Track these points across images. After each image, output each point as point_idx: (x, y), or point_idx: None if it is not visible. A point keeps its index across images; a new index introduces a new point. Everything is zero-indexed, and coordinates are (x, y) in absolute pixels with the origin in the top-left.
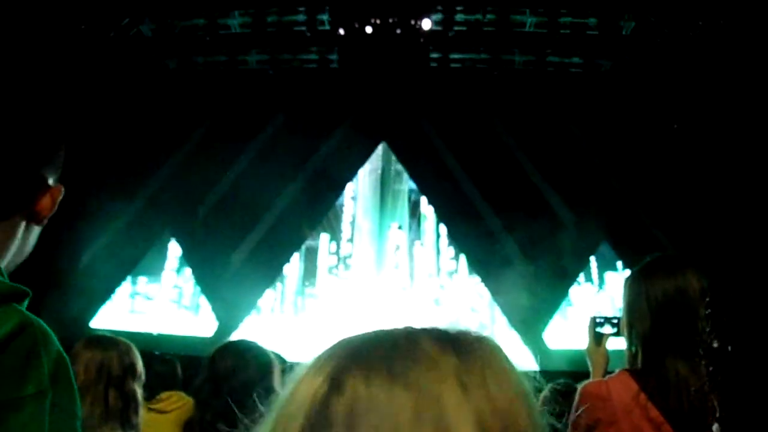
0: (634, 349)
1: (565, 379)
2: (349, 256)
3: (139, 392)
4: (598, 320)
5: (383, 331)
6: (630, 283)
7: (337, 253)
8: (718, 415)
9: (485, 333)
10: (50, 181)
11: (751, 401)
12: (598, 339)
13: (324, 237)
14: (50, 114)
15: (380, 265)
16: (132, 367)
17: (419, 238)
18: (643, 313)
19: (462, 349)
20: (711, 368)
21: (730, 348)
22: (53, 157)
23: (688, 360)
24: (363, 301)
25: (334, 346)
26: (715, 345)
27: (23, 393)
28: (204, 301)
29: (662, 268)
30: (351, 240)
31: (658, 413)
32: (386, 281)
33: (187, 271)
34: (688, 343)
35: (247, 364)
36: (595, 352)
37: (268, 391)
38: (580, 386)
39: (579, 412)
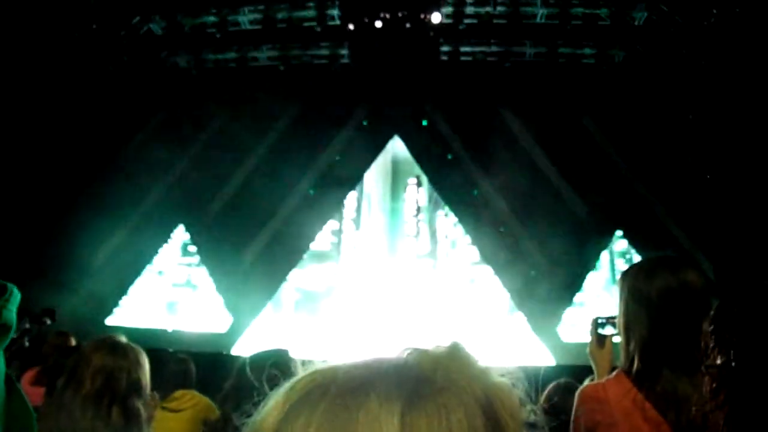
0: (631, 352)
1: (566, 378)
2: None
3: (143, 410)
4: (599, 321)
5: (336, 372)
6: (627, 283)
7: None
8: None
9: (462, 368)
10: None
11: (757, 419)
12: (601, 340)
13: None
14: None
15: (393, 238)
16: (138, 383)
17: (442, 208)
18: (642, 316)
19: (412, 404)
20: (714, 384)
21: (734, 364)
22: None
23: (688, 372)
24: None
25: (296, 382)
26: (719, 361)
27: None
28: (218, 297)
29: (662, 268)
30: (358, 211)
31: (656, 413)
32: (402, 255)
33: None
34: (687, 351)
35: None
36: (599, 353)
37: None
38: (579, 389)
39: (578, 414)
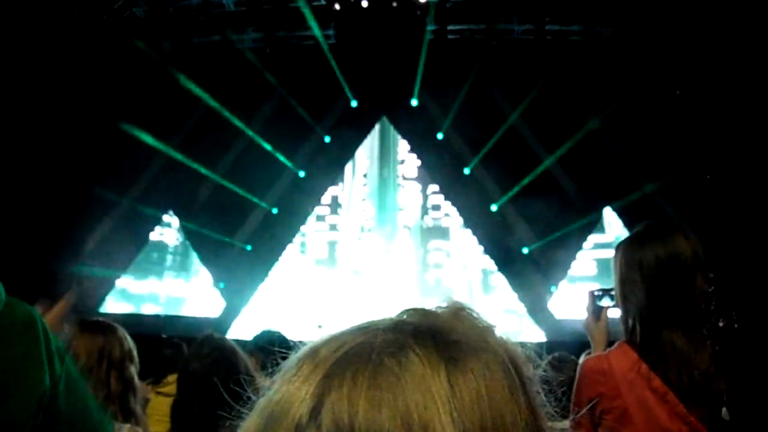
0: (630, 321)
1: (560, 352)
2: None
3: (136, 377)
4: (596, 293)
5: (368, 337)
6: (620, 254)
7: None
8: (726, 398)
9: (488, 327)
10: None
11: (759, 384)
12: (597, 312)
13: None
14: None
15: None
16: (131, 352)
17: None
18: (637, 284)
19: (455, 364)
20: (717, 348)
21: (736, 326)
22: None
23: (685, 331)
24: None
25: (317, 352)
26: (721, 324)
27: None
28: (210, 282)
29: (651, 236)
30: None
31: (661, 383)
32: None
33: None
34: (684, 313)
35: (211, 369)
36: (595, 326)
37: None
38: (580, 361)
39: (580, 387)
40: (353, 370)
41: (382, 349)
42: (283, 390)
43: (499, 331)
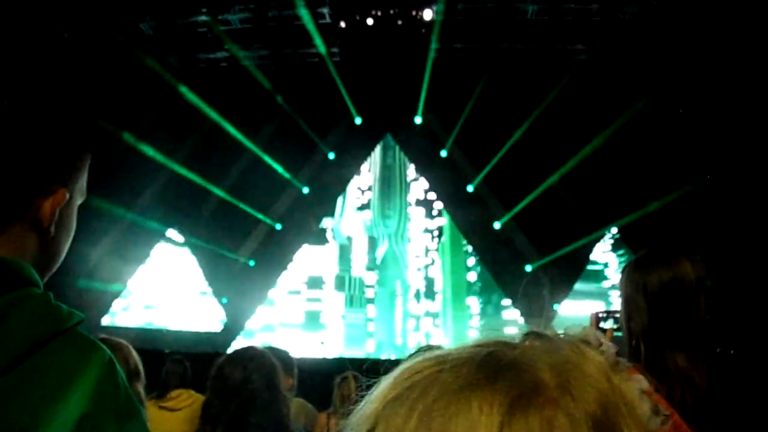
0: (634, 342)
1: None
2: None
3: (142, 394)
4: (600, 315)
5: (443, 367)
6: (626, 276)
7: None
8: (721, 419)
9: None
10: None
11: (754, 407)
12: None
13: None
14: (65, 116)
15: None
16: (136, 368)
17: None
18: (641, 307)
19: (513, 415)
20: (713, 372)
21: (732, 352)
22: (65, 163)
23: (688, 353)
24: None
25: (400, 373)
26: (718, 350)
27: None
28: (213, 297)
29: (657, 259)
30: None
31: (666, 404)
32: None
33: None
34: (687, 335)
35: (252, 375)
36: None
37: (274, 394)
38: None
39: None
40: (412, 401)
41: (448, 385)
42: (364, 404)
43: (620, 376)
